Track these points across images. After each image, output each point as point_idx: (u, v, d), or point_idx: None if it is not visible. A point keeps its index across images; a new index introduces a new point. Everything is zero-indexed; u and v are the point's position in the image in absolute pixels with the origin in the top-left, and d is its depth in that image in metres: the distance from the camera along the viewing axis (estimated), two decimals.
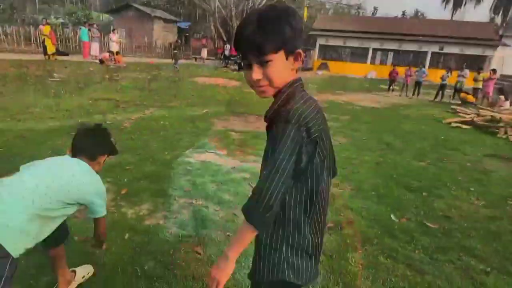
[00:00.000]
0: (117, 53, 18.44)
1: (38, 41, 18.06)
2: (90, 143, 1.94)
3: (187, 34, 38.21)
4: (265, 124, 1.22)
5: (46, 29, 16.17)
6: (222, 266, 1.17)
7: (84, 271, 2.28)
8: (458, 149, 7.01)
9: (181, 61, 21.24)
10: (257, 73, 1.11)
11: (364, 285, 2.52)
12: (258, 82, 1.13)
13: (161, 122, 7.01)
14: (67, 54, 19.09)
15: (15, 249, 1.54)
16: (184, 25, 37.89)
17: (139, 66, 18.39)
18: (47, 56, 16.21)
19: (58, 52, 17.47)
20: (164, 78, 14.66)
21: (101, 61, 17.47)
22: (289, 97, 1.14)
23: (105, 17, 37.70)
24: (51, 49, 16.32)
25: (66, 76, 11.89)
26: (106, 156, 2.04)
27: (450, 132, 8.89)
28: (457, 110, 12.35)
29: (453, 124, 9.91)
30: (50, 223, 1.70)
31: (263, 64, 1.10)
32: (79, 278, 2.23)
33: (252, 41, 1.08)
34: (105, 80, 12.03)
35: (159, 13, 33.74)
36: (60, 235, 1.95)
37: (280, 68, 1.12)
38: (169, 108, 8.54)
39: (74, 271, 2.23)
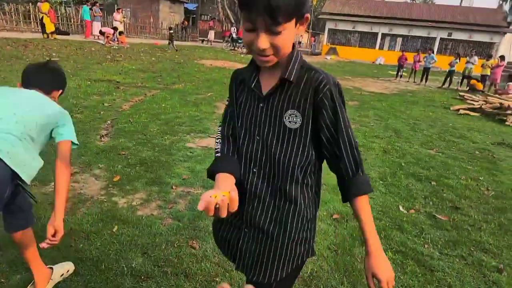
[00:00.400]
0: (121, 33, 18.03)
1: (38, 19, 17.56)
2: (45, 77, 1.85)
3: (194, 15, 37.51)
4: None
5: (44, 7, 15.66)
6: (377, 258, 1.08)
7: (63, 269, 2.04)
8: (466, 137, 6.84)
9: (185, 43, 20.81)
10: (264, 42, 0.96)
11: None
12: (263, 51, 0.98)
13: (163, 105, 6.79)
14: (68, 34, 18.71)
15: (29, 176, 1.56)
16: (191, 6, 37.16)
17: (143, 47, 18.04)
18: (45, 35, 15.70)
19: (58, 31, 17.04)
20: (169, 59, 14.35)
21: (101, 33, 16.99)
22: (304, 60, 1.11)
23: None
24: (50, 27, 15.75)
25: (65, 56, 11.62)
26: (60, 92, 1.94)
27: (458, 119, 8.72)
28: (465, 97, 12.14)
29: (461, 111, 9.72)
30: (37, 152, 1.66)
31: (274, 33, 0.94)
32: (56, 277, 1.99)
33: (267, 7, 0.88)
34: (106, 61, 11.74)
35: None
36: (25, 216, 1.78)
37: (290, 37, 0.99)
38: (172, 91, 8.30)
39: (51, 269, 1.99)
